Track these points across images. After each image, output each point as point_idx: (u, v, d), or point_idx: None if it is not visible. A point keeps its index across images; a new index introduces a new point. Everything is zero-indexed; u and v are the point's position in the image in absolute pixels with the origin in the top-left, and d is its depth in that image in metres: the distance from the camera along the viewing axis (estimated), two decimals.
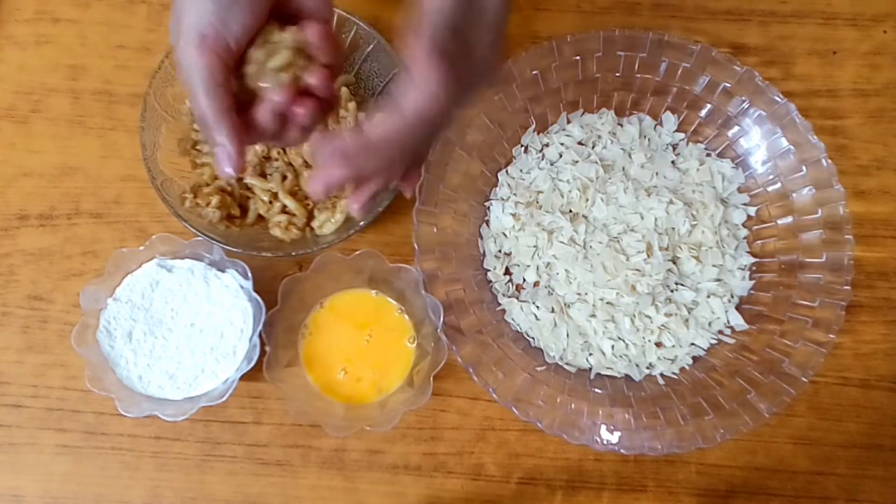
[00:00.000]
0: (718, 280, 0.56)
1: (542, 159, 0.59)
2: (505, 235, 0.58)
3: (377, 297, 0.55)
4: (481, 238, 0.58)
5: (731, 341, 0.55)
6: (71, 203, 0.60)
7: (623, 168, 0.58)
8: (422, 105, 0.37)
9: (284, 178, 0.56)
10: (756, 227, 0.57)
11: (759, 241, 0.57)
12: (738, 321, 0.55)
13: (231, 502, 0.54)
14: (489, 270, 0.57)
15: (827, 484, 0.54)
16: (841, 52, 0.62)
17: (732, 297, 0.56)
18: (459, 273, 0.54)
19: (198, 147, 0.57)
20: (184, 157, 0.57)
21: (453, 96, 0.37)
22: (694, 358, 0.55)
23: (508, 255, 0.58)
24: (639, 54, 0.56)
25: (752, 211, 0.57)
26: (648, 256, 0.54)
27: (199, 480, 0.54)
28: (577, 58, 0.56)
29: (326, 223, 0.55)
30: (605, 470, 0.54)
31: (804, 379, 0.49)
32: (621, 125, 0.60)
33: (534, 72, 0.56)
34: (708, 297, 0.55)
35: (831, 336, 0.50)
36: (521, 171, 0.59)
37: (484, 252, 0.58)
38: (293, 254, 0.54)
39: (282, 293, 0.51)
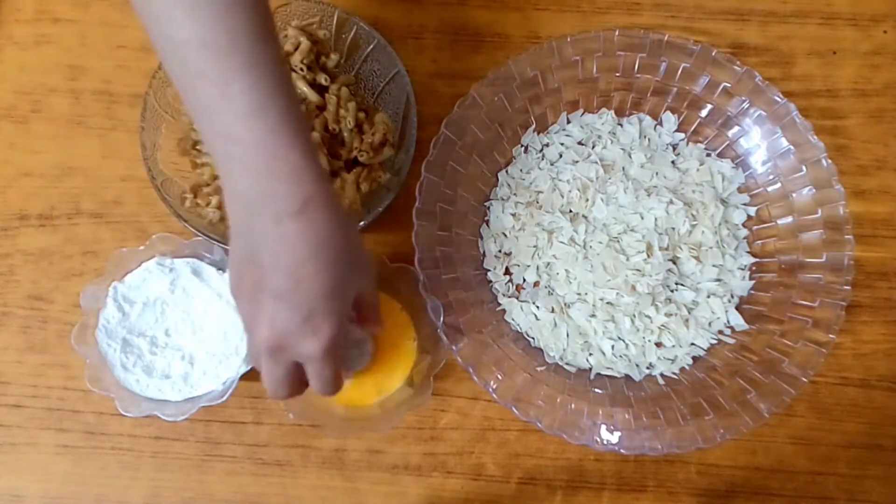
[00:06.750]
0: (718, 280, 0.56)
1: (542, 159, 0.59)
2: (505, 235, 0.58)
3: None
4: (481, 238, 0.58)
5: (731, 341, 0.55)
6: (71, 203, 0.59)
7: (623, 168, 0.58)
8: None
9: None
10: (756, 227, 0.57)
11: (759, 241, 0.57)
12: (738, 321, 0.55)
13: (231, 502, 0.54)
14: (489, 270, 0.57)
15: (827, 484, 0.54)
16: (841, 52, 0.62)
17: (732, 297, 0.56)
18: (459, 273, 0.54)
19: (198, 147, 0.57)
20: (184, 157, 0.57)
21: None
22: (694, 358, 0.55)
23: (508, 255, 0.58)
24: (639, 54, 0.56)
25: (752, 211, 0.57)
26: (648, 256, 0.54)
27: (199, 480, 0.54)
28: (577, 58, 0.56)
29: None
30: (605, 470, 0.54)
31: (804, 379, 0.50)
32: (621, 125, 0.60)
33: (534, 72, 0.56)
34: (708, 297, 0.55)
35: (831, 336, 0.50)
36: (521, 171, 0.59)
37: (484, 252, 0.58)
38: None
39: None
